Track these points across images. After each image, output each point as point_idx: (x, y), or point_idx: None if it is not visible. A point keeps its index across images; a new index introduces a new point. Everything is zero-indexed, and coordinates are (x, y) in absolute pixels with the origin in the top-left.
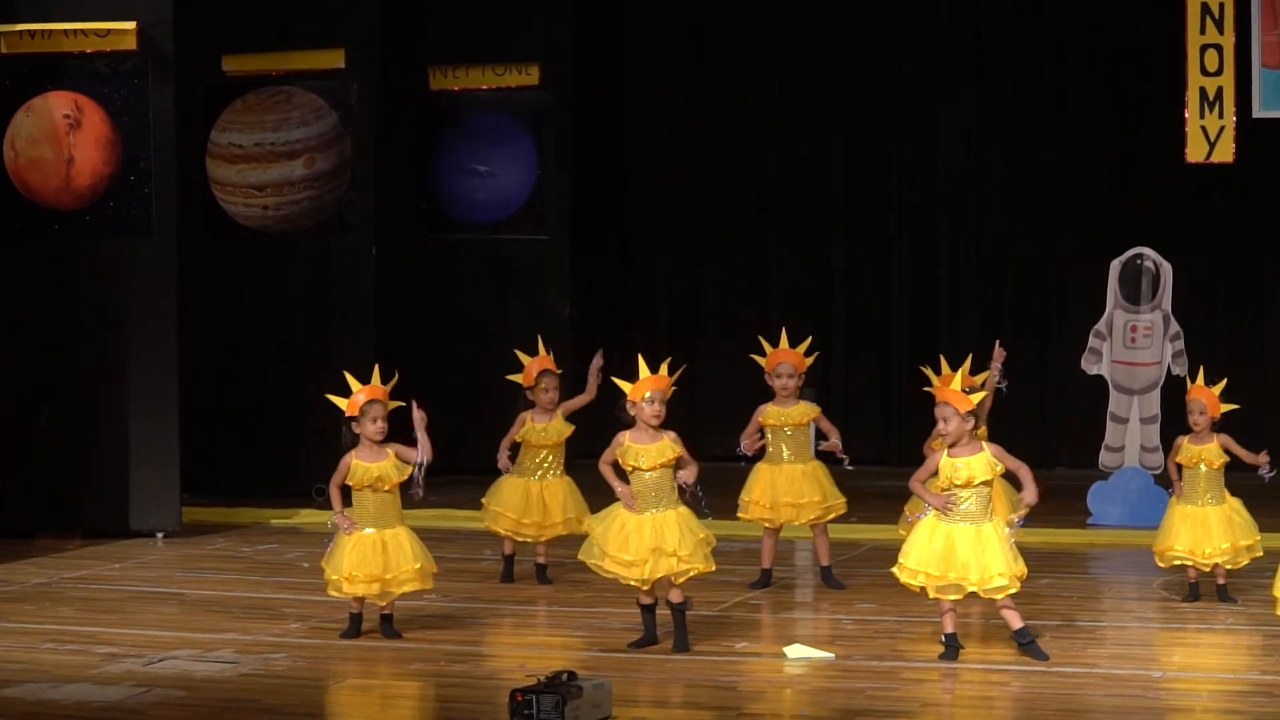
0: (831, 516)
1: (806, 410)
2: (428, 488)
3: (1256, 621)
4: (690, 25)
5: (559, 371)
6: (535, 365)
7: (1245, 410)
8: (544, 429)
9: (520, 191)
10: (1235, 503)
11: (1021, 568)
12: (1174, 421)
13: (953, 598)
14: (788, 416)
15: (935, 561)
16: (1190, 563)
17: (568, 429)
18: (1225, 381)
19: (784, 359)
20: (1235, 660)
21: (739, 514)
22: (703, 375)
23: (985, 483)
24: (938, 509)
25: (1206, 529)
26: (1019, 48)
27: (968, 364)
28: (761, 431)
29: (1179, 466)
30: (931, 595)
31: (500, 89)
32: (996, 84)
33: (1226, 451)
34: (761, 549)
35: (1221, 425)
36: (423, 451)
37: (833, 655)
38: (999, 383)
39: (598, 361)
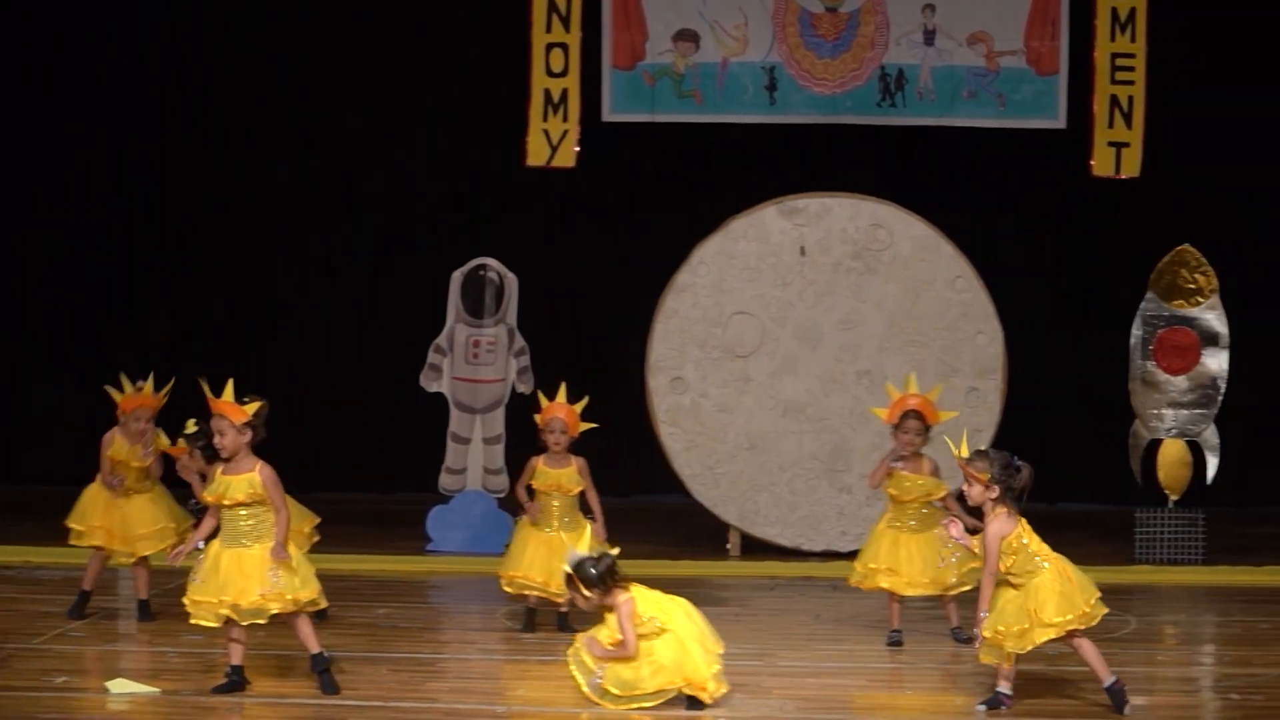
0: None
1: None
2: None
3: None
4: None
5: None
6: None
7: (600, 429)
8: None
9: None
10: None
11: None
12: (521, 441)
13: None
14: (131, 453)
15: (215, 588)
16: (542, 593)
17: None
18: (587, 400)
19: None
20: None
21: (70, 540)
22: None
23: (242, 504)
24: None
25: (560, 557)
26: (362, 43)
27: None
28: None
29: (529, 489)
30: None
31: None
32: (322, 81)
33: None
34: (86, 572)
35: (578, 446)
36: None
37: (158, 690)
38: None
39: None
